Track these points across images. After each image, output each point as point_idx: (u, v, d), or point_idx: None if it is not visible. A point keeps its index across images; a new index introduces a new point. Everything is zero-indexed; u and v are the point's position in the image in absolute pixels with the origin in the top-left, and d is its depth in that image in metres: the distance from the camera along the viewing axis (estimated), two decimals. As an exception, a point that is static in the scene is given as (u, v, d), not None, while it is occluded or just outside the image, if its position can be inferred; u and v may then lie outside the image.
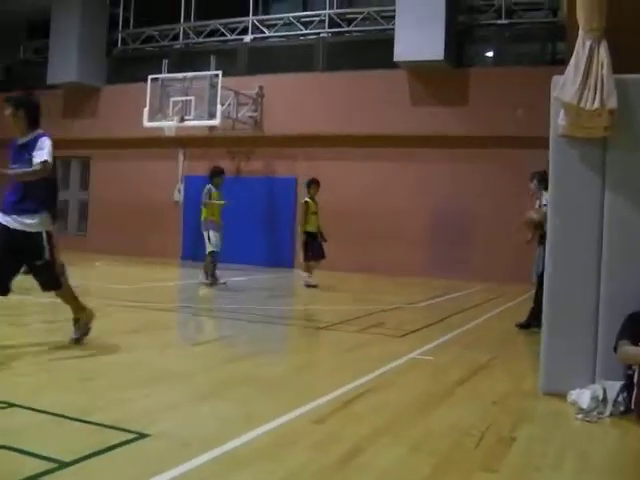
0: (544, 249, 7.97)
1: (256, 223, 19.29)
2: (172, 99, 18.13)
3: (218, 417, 4.48)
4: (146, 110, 18.19)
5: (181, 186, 20.49)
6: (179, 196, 20.49)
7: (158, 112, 18.22)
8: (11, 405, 4.34)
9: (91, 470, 3.36)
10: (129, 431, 3.92)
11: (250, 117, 19.10)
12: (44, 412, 4.23)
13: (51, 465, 3.34)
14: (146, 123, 18.22)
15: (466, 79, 17.23)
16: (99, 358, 6.32)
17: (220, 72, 17.61)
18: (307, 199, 13.82)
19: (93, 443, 3.70)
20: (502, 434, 4.34)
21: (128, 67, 21.70)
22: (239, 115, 18.84)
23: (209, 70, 18.12)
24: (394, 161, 17.93)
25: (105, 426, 4.01)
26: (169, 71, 18.88)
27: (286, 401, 4.90)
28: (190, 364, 6.33)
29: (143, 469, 3.36)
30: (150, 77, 18.44)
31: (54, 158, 6.53)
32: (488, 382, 6.04)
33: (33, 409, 4.28)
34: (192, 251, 19.98)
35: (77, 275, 13.42)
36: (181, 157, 20.37)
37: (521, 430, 4.45)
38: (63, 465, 3.36)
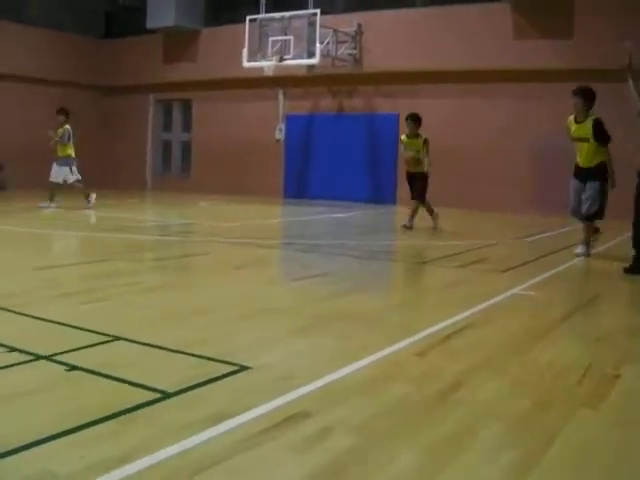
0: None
1: (358, 160, 19.23)
2: (271, 39, 18.10)
3: (318, 351, 4.54)
4: (245, 51, 18.25)
5: (282, 125, 20.56)
6: (280, 135, 20.58)
7: (257, 52, 18.25)
8: (118, 338, 4.51)
9: (194, 401, 3.47)
10: (231, 363, 4.02)
11: (349, 55, 18.88)
12: (149, 345, 4.38)
13: (155, 395, 3.47)
14: (245, 64, 18.29)
15: (570, 9, 16.47)
16: (204, 293, 6.50)
17: (318, 10, 17.44)
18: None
19: (196, 375, 3.81)
20: (605, 371, 4.24)
21: (225, 9, 21.70)
22: (338, 53, 18.64)
23: (307, 9, 17.97)
24: (495, 97, 17.44)
25: (208, 359, 4.12)
26: (267, 11, 18.81)
27: (385, 336, 4.92)
28: (292, 299, 6.43)
29: (244, 401, 3.45)
30: (248, 18, 18.43)
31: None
32: (591, 319, 5.91)
33: (139, 342, 4.44)
34: (294, 189, 20.19)
35: (183, 214, 13.75)
36: (281, 97, 20.38)
37: (625, 368, 4.34)
38: (167, 395, 3.48)
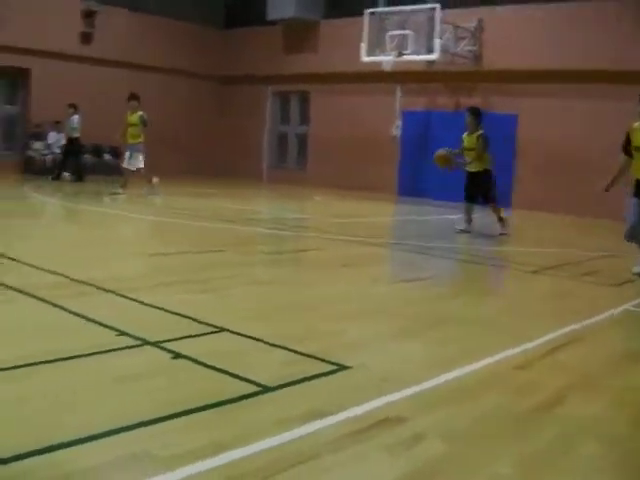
0: None
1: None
2: (389, 33, 18.05)
3: (418, 354, 4.53)
4: (363, 45, 18.27)
5: (399, 121, 20.48)
6: (397, 131, 20.51)
7: (376, 47, 18.24)
8: (223, 329, 4.63)
9: (292, 396, 3.53)
10: (331, 362, 4.06)
11: (469, 51, 18.63)
12: (253, 338, 4.48)
13: (254, 388, 3.55)
14: (364, 58, 18.32)
15: None
16: (311, 289, 6.58)
17: (438, 5, 17.27)
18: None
19: (296, 371, 3.87)
20: None
21: (345, 1, 21.79)
22: (457, 49, 18.42)
23: (427, 3, 17.83)
24: (619, 100, 16.83)
25: (309, 356, 4.18)
26: (386, 5, 18.76)
27: (488, 344, 4.85)
28: (397, 300, 6.42)
29: (340, 400, 3.48)
30: (367, 11, 18.44)
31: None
32: None
33: (243, 335, 4.54)
34: (408, 187, 20.10)
35: (297, 208, 13.89)
36: (398, 92, 20.30)
37: None
38: (266, 389, 3.55)
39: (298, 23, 22.02)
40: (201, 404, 3.28)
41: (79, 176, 18.30)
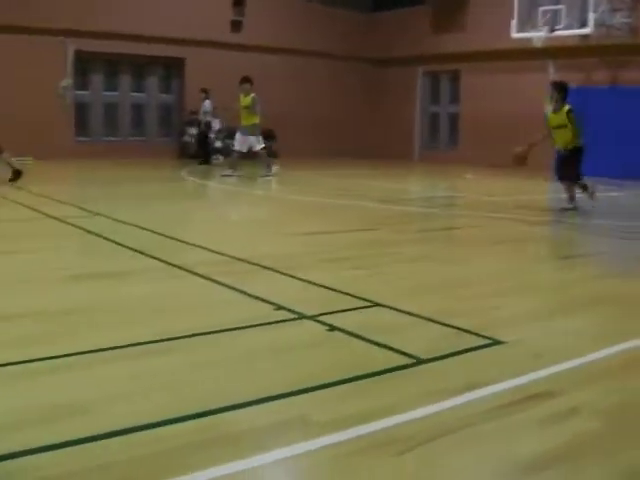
0: None
1: (634, 136, 18.13)
2: (541, 8, 17.56)
3: (575, 331, 4.45)
4: (514, 21, 17.85)
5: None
6: (550, 108, 19.86)
7: (527, 23, 17.78)
8: (377, 304, 4.73)
9: (445, 369, 3.58)
10: (485, 337, 4.08)
11: (625, 23, 17.78)
12: (406, 313, 4.55)
13: (409, 360, 3.63)
14: (514, 34, 17.90)
15: None
16: (464, 266, 6.59)
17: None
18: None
19: (450, 345, 3.92)
20: None
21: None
22: (613, 21, 17.62)
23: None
24: None
25: (463, 330, 4.21)
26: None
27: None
28: (555, 277, 6.34)
29: (492, 374, 3.50)
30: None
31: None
32: None
33: (397, 309, 4.62)
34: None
35: (448, 187, 13.80)
36: (551, 68, 19.70)
37: None
38: (420, 362, 3.62)
39: (446, 2, 21.76)
40: (356, 374, 3.39)
41: (206, 160, 18.91)
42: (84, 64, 20.91)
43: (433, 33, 22.59)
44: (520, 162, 11.31)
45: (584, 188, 11.03)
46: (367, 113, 24.65)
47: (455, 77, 22.92)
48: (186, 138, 21.33)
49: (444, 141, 23.75)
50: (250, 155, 15.55)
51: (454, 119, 23.17)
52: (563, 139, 10.89)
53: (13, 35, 19.09)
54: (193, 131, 21.02)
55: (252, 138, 15.27)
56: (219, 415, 2.93)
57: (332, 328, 4.14)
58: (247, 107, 15.31)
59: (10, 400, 3.07)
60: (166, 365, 3.54)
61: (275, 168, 15.61)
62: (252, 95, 15.29)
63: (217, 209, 11.33)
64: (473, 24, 21.38)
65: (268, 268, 5.84)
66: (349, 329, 4.11)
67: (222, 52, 21.75)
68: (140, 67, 22.06)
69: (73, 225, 8.16)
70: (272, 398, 3.10)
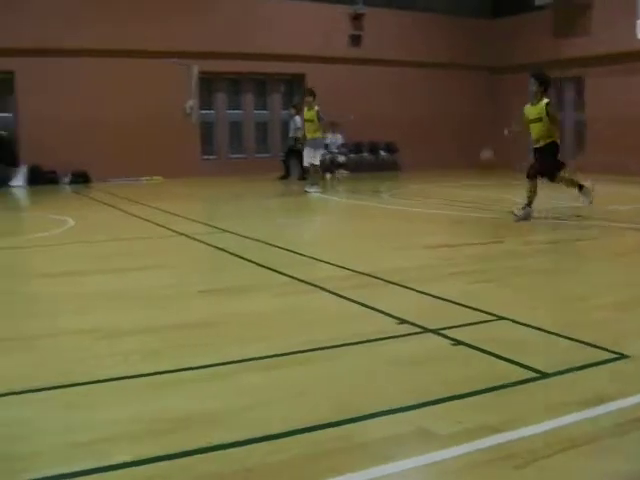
0: None
1: None
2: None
3: None
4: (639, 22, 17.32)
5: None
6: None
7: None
8: (501, 318, 4.75)
9: (570, 383, 3.58)
10: (610, 350, 4.03)
11: None
12: (531, 326, 4.55)
13: (533, 374, 3.65)
14: (640, 35, 17.38)
15: None
16: (587, 278, 6.49)
17: None
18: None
19: (574, 358, 3.90)
20: None
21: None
22: None
23: None
24: None
25: (587, 344, 4.17)
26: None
27: None
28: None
29: (620, 387, 3.47)
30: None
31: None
32: None
33: (521, 323, 4.62)
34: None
35: (570, 196, 13.51)
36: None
37: None
38: (544, 375, 3.63)
39: (568, 6, 21.30)
40: (480, 387, 3.45)
41: (286, 175, 19.11)
42: (208, 84, 21.64)
43: (554, 38, 22.13)
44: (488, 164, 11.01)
45: (579, 187, 10.74)
46: (486, 122, 24.38)
47: (578, 82, 22.35)
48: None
49: (569, 149, 23.17)
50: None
51: (579, 126, 22.58)
52: (537, 133, 10.27)
53: (140, 59, 20.01)
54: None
55: (319, 151, 15.31)
56: (347, 425, 3.05)
57: (456, 342, 4.19)
58: (311, 121, 15.31)
59: (158, 407, 3.31)
60: (296, 376, 3.70)
61: (318, 188, 15.38)
62: (315, 108, 15.26)
63: (339, 223, 11.51)
64: (597, 27, 20.82)
65: (392, 282, 5.94)
66: (473, 343, 4.15)
67: (342, 67, 22.04)
68: (262, 85, 22.65)
69: (202, 242, 8.52)
70: (396, 410, 3.20)
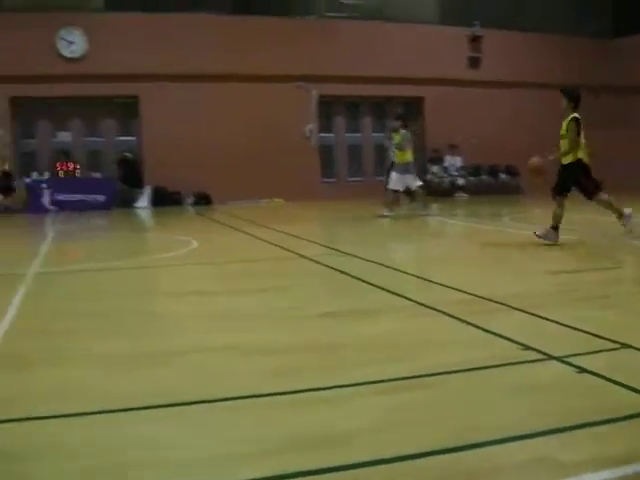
0: None
1: None
2: None
3: None
4: None
5: None
6: None
7: None
8: (627, 346, 4.65)
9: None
10: None
11: None
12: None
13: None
14: None
15: None
16: None
17: None
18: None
19: None
20: None
21: None
22: None
23: None
24: None
25: None
26: None
27: None
28: None
29: None
30: None
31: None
32: None
33: (648, 351, 4.53)
34: None
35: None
36: None
37: None
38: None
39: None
40: (605, 417, 3.40)
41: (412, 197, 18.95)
42: (327, 107, 22.01)
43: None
44: (537, 173, 10.34)
45: (612, 209, 10.23)
46: (607, 145, 23.71)
47: None
48: (429, 176, 21.61)
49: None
50: (408, 194, 15.41)
51: None
52: (563, 150, 10.03)
53: (261, 83, 20.56)
54: (436, 169, 21.35)
55: (408, 176, 15.04)
56: (468, 451, 3.08)
57: (581, 370, 4.15)
58: (398, 145, 15.21)
59: (292, 425, 3.43)
60: (418, 400, 3.75)
61: (432, 207, 15.27)
62: (402, 132, 15.16)
63: (457, 246, 11.47)
64: None
65: (513, 307, 5.91)
66: (598, 371, 4.09)
67: (460, 89, 22.00)
68: (380, 108, 22.84)
69: (323, 264, 8.68)
70: (520, 437, 3.19)
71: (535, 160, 10.24)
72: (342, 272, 8.03)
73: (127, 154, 21.55)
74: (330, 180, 22.20)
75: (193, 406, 3.74)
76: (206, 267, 9.04)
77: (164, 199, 20.60)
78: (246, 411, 3.69)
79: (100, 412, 3.65)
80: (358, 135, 22.73)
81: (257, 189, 20.47)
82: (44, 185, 19.79)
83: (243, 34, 20.66)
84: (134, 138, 21.94)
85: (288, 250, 9.91)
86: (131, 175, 21.06)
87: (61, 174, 20.11)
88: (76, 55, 20.61)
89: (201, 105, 20.75)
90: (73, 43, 20.63)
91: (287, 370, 4.34)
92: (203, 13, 20.79)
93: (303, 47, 20.81)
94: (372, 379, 4.06)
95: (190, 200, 20.87)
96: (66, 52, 20.64)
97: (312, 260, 8.98)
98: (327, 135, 22.25)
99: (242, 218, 15.60)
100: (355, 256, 9.26)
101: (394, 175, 15.23)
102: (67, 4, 20.67)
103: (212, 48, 20.49)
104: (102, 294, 7.42)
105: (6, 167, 15.99)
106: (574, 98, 10.14)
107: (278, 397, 3.85)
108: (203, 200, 20.73)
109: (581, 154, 9.94)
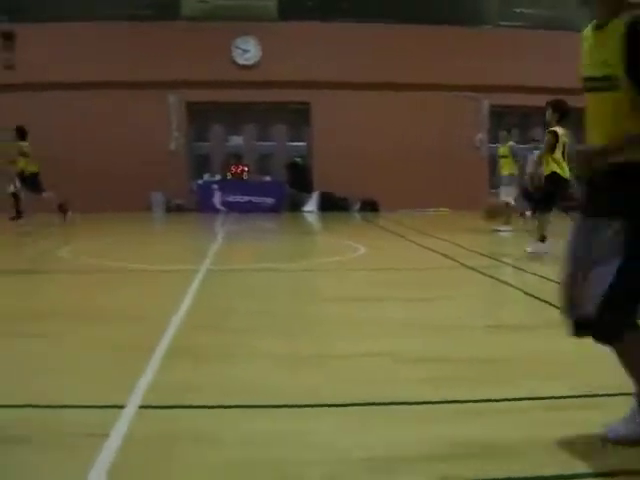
0: None
1: None
2: None
3: None
4: None
5: None
6: None
7: None
8: None
9: None
10: None
11: None
12: None
13: None
14: None
15: None
16: None
17: None
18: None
19: None
20: None
21: None
22: None
23: None
24: None
25: None
26: None
27: None
28: None
29: None
30: None
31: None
32: None
33: None
34: None
35: None
36: None
37: None
38: None
39: None
40: None
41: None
42: (498, 118, 21.63)
43: None
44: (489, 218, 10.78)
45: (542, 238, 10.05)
46: None
47: None
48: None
49: None
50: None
51: None
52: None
53: (430, 92, 20.50)
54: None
55: (506, 188, 14.52)
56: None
57: None
58: (504, 156, 14.66)
59: (456, 432, 3.40)
60: (583, 420, 3.60)
61: (509, 227, 14.38)
62: (509, 144, 14.61)
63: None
64: None
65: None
66: None
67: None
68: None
69: (487, 275, 8.52)
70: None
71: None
72: (506, 283, 7.86)
73: (297, 159, 22.06)
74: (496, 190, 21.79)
75: (349, 408, 3.78)
76: (372, 273, 9.09)
77: (331, 204, 20.89)
78: (404, 416, 3.68)
79: (262, 406, 3.76)
80: (528, 146, 22.13)
81: (423, 198, 20.41)
82: (215, 186, 20.60)
83: (415, 43, 20.67)
84: (304, 143, 22.43)
85: (453, 259, 9.79)
86: (300, 179, 21.52)
87: (231, 176, 20.87)
88: (250, 62, 21.35)
89: (370, 112, 20.93)
90: (248, 51, 21.38)
91: (446, 379, 4.29)
92: (373, 22, 21.00)
93: (475, 56, 20.55)
94: (546, 394, 3.95)
95: (357, 206, 21.07)
96: (240, 60, 21.43)
97: (478, 271, 8.82)
98: (495, 145, 21.86)
99: (408, 226, 15.58)
100: (518, 268, 9.04)
101: (502, 188, 14.82)
102: (243, 14, 21.46)
103: (382, 57, 20.63)
104: (268, 294, 7.64)
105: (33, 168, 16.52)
106: (558, 110, 9.92)
107: (437, 405, 3.82)
108: (370, 207, 20.86)
109: (555, 167, 9.86)
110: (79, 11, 20.20)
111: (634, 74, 2.88)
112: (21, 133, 15.12)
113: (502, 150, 14.94)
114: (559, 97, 10.22)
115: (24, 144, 14.98)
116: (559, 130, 9.91)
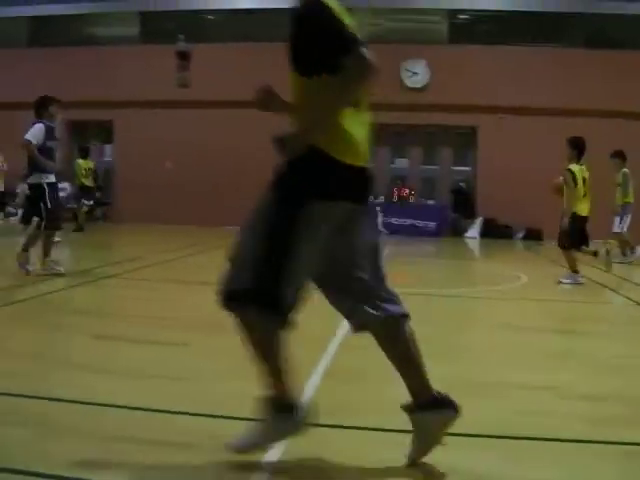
0: None
1: None
2: None
3: None
4: None
5: None
6: None
7: None
8: None
9: None
10: None
11: None
12: None
13: None
14: None
15: None
16: None
17: None
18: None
19: None
20: None
21: None
22: None
23: None
24: None
25: None
26: None
27: None
28: None
29: None
30: None
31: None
32: None
33: None
34: None
35: None
36: None
37: None
38: None
39: None
40: None
41: None
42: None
43: None
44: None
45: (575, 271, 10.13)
46: None
47: None
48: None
49: None
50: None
51: None
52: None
53: (608, 119, 19.79)
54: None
55: (617, 219, 13.68)
56: None
57: None
58: (618, 184, 13.77)
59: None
60: None
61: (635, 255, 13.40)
62: (622, 171, 13.72)
63: None
64: None
65: None
66: None
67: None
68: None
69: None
70: None
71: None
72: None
73: (462, 184, 21.87)
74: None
75: (511, 440, 3.70)
76: (532, 303, 8.89)
77: (494, 231, 20.55)
78: (572, 454, 3.56)
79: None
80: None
81: (592, 228, 19.64)
82: (378, 208, 20.71)
83: (593, 68, 20.08)
84: (469, 168, 22.20)
85: (627, 297, 9.38)
86: (464, 205, 21.32)
87: (397, 199, 20.93)
88: (418, 85, 21.39)
89: (537, 138, 20.43)
90: (417, 74, 21.43)
91: (614, 418, 4.10)
92: (551, 46, 20.59)
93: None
94: None
95: (520, 234, 20.61)
96: (409, 82, 21.49)
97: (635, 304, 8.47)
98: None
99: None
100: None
101: (616, 217, 13.93)
102: (414, 37, 21.56)
103: (554, 82, 20.17)
104: (427, 318, 7.61)
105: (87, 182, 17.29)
106: (576, 147, 10.10)
107: (607, 446, 3.66)
108: (533, 235, 20.36)
109: (577, 207, 10.04)
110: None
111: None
112: None
113: (617, 178, 14.12)
114: (577, 136, 10.28)
115: None
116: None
